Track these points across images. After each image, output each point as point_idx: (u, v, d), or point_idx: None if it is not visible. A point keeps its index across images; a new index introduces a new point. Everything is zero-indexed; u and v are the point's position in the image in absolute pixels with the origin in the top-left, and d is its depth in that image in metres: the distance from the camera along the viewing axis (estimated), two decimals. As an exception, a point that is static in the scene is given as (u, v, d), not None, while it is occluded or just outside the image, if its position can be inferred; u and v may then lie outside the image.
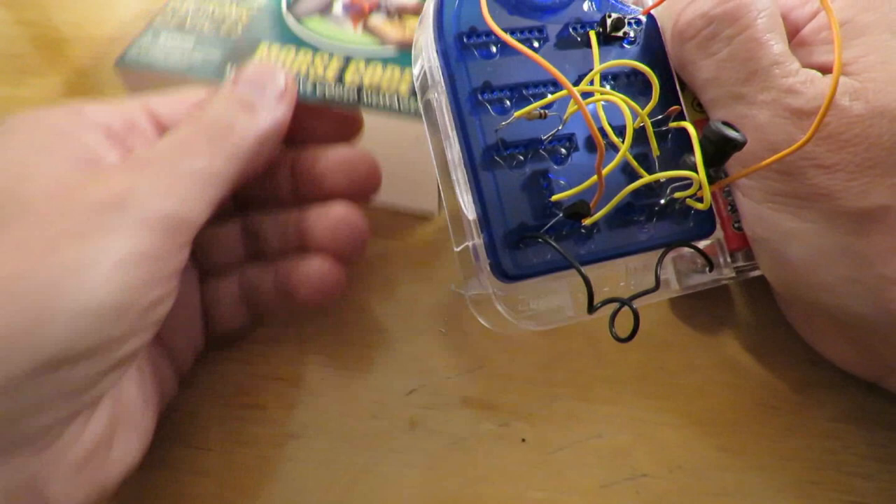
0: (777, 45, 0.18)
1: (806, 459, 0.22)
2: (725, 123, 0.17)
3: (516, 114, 0.19)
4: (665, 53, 0.21)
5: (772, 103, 0.18)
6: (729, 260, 0.22)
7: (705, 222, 0.21)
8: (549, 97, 0.19)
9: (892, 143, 0.16)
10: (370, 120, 0.25)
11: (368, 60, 0.26)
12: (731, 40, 0.18)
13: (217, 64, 0.26)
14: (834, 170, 0.17)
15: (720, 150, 0.17)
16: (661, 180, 0.19)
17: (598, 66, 0.19)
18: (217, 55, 0.26)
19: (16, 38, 0.37)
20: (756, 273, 0.22)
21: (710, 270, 0.21)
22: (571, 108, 0.19)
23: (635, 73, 0.20)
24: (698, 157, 0.17)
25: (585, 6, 0.21)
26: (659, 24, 0.21)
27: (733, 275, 0.22)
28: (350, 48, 0.27)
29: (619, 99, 0.18)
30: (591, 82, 0.19)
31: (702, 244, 0.21)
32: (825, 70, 0.18)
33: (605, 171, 0.17)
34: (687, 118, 0.21)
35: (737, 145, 0.17)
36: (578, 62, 0.20)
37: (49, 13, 0.38)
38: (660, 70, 0.20)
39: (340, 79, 0.26)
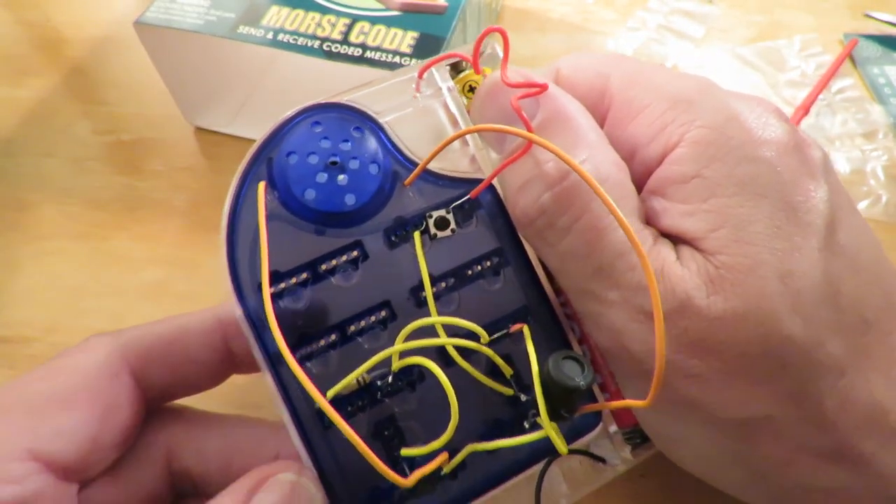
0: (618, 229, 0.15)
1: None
2: (570, 357, 0.15)
3: (347, 380, 0.16)
4: (515, 229, 0.18)
5: (623, 304, 0.15)
6: (623, 439, 0.19)
7: (587, 417, 0.18)
8: (375, 358, 0.16)
9: (762, 348, 0.14)
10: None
11: (374, 22, 0.28)
12: (568, 231, 0.16)
13: (231, 24, 0.27)
14: (703, 379, 0.15)
15: (564, 397, 0.15)
16: (523, 398, 0.17)
17: (428, 290, 0.17)
18: (231, 16, 0.28)
19: (16, 38, 0.38)
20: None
21: (605, 463, 0.19)
22: (396, 362, 0.16)
23: (486, 256, 0.18)
24: (542, 409, 0.15)
25: (404, 197, 0.18)
26: (502, 195, 0.18)
27: (630, 458, 0.19)
28: (356, 10, 0.29)
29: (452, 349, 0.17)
30: (424, 300, 0.17)
31: (588, 437, 0.18)
32: (679, 238, 0.16)
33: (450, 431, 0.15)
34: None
35: (578, 392, 0.15)
36: (416, 265, 0.18)
37: (49, 13, 0.39)
38: (510, 250, 0.18)
39: (346, 38, 0.28)
